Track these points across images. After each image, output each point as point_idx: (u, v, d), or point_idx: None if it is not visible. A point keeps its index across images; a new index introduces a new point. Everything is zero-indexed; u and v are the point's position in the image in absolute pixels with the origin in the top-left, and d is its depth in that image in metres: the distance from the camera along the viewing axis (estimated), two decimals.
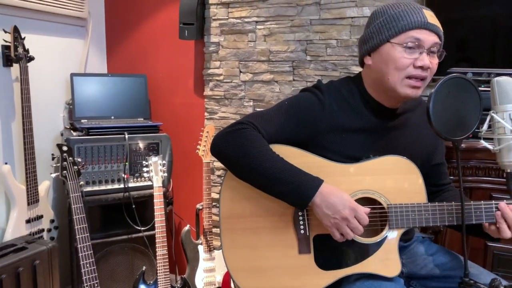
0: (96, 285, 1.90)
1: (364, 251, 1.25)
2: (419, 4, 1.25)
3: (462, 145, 1.59)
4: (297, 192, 1.18)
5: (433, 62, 1.21)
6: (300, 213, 1.27)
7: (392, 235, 1.25)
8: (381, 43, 1.23)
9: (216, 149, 1.29)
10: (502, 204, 1.16)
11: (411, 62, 1.19)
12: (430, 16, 1.21)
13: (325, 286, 1.25)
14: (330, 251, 1.25)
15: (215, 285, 2.40)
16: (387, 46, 1.22)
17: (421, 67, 1.18)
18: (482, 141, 1.02)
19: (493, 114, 0.98)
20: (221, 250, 2.39)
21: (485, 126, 1.01)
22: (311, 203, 1.18)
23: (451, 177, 1.62)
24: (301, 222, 1.27)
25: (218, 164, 2.67)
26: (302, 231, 1.27)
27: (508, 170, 0.99)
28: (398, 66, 1.20)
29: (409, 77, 1.20)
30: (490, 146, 1.00)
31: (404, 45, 1.19)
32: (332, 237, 1.19)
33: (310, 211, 1.25)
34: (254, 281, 1.28)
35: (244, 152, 1.22)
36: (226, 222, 1.31)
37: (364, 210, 1.18)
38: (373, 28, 1.26)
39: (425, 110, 1.07)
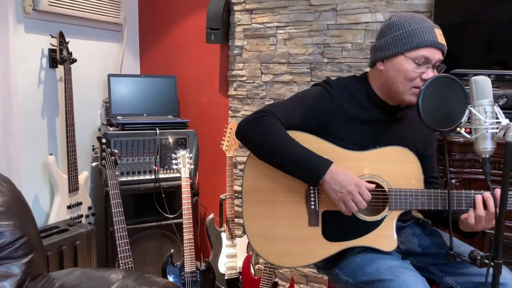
0: (130, 262, 2.11)
1: (365, 227, 1.42)
2: (431, 22, 1.41)
3: (460, 139, 1.74)
4: (310, 171, 1.37)
5: (436, 74, 1.38)
6: (312, 190, 1.46)
7: (391, 215, 1.41)
8: (396, 54, 1.40)
9: (241, 133, 1.50)
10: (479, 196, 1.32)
11: (418, 75, 1.37)
12: (439, 36, 1.38)
13: (329, 255, 1.43)
14: (335, 225, 1.43)
15: (236, 269, 2.59)
16: (401, 58, 1.39)
17: (425, 80, 1.35)
18: (462, 132, 1.18)
19: (470, 108, 1.14)
20: (242, 237, 2.59)
21: (464, 118, 1.17)
22: (322, 180, 1.36)
23: (451, 168, 1.78)
24: (312, 198, 1.45)
25: (240, 158, 2.86)
26: (313, 206, 1.45)
27: (483, 156, 1.14)
28: (408, 78, 1.38)
29: (416, 87, 1.38)
30: (468, 136, 1.16)
31: (416, 61, 1.36)
32: (340, 209, 1.37)
33: (321, 189, 1.43)
34: (268, 246, 1.48)
35: (265, 136, 1.42)
36: (248, 195, 1.52)
37: (367, 186, 1.35)
38: (390, 39, 1.41)
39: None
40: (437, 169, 1.63)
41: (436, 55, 1.37)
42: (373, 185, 1.37)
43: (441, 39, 1.38)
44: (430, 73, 1.36)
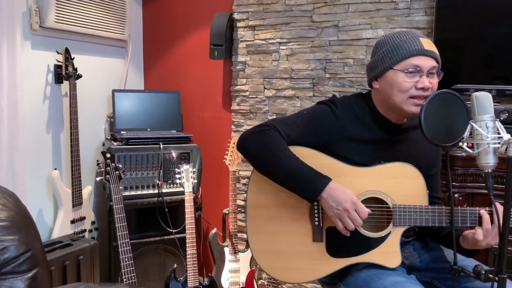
0: (133, 277, 2.11)
1: (370, 244, 1.41)
2: (417, 33, 1.43)
3: (463, 153, 1.75)
4: (308, 187, 1.37)
5: (432, 82, 1.39)
6: (315, 207, 1.45)
7: (395, 232, 1.40)
8: (386, 70, 1.42)
9: (242, 145, 1.50)
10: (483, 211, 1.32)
11: (412, 84, 1.37)
12: (426, 43, 1.39)
13: (333, 271, 1.43)
14: (340, 241, 1.42)
15: (239, 285, 2.57)
16: (390, 72, 1.41)
17: (422, 88, 1.36)
18: (464, 146, 1.19)
19: (472, 123, 1.16)
20: (245, 252, 2.59)
21: (466, 133, 1.18)
22: (319, 197, 1.36)
23: (454, 183, 1.79)
24: (316, 214, 1.45)
25: (243, 173, 2.87)
26: (316, 222, 1.45)
27: (486, 171, 1.15)
28: (402, 89, 1.38)
29: (413, 97, 1.38)
30: (470, 150, 1.18)
31: (405, 71, 1.37)
32: (336, 227, 1.36)
33: None
34: (272, 262, 1.48)
35: (266, 150, 1.42)
36: (252, 211, 1.51)
37: (365, 210, 1.34)
38: (378, 57, 1.45)
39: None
40: (440, 189, 1.62)
41: (427, 62, 1.37)
42: (369, 210, 1.36)
43: (428, 46, 1.38)
44: (424, 81, 1.35)
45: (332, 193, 1.34)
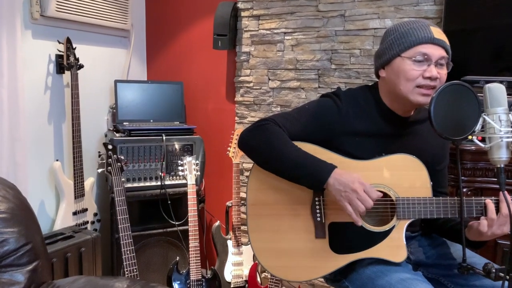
0: (135, 270, 2.09)
1: (374, 238, 1.37)
2: (428, 21, 1.39)
3: (472, 147, 1.71)
4: (313, 175, 1.33)
5: (441, 72, 1.34)
6: (317, 202, 1.42)
7: (399, 225, 1.37)
8: (393, 57, 1.38)
9: (243, 142, 1.46)
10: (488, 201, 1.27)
11: (420, 73, 1.33)
12: (436, 32, 1.35)
13: (338, 268, 1.39)
14: (343, 237, 1.39)
15: (242, 278, 2.56)
16: (398, 60, 1.37)
17: (429, 78, 1.32)
18: (475, 140, 1.15)
19: (484, 116, 1.11)
20: (248, 245, 2.56)
21: (478, 127, 1.14)
22: (326, 184, 1.32)
23: (463, 177, 1.75)
24: (318, 210, 1.42)
25: (247, 165, 2.84)
26: (319, 218, 1.42)
27: (498, 165, 1.11)
28: (408, 77, 1.34)
29: (419, 86, 1.34)
30: (481, 144, 1.13)
31: (413, 59, 1.33)
32: (345, 211, 1.30)
33: (326, 200, 1.40)
34: (275, 260, 1.44)
35: (268, 143, 1.39)
36: (252, 208, 1.48)
37: (376, 193, 1.29)
38: (386, 44, 1.41)
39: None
40: (447, 183, 1.58)
41: (436, 51, 1.33)
42: (380, 193, 1.32)
43: (438, 35, 1.34)
44: (432, 70, 1.32)
45: (338, 177, 1.30)
